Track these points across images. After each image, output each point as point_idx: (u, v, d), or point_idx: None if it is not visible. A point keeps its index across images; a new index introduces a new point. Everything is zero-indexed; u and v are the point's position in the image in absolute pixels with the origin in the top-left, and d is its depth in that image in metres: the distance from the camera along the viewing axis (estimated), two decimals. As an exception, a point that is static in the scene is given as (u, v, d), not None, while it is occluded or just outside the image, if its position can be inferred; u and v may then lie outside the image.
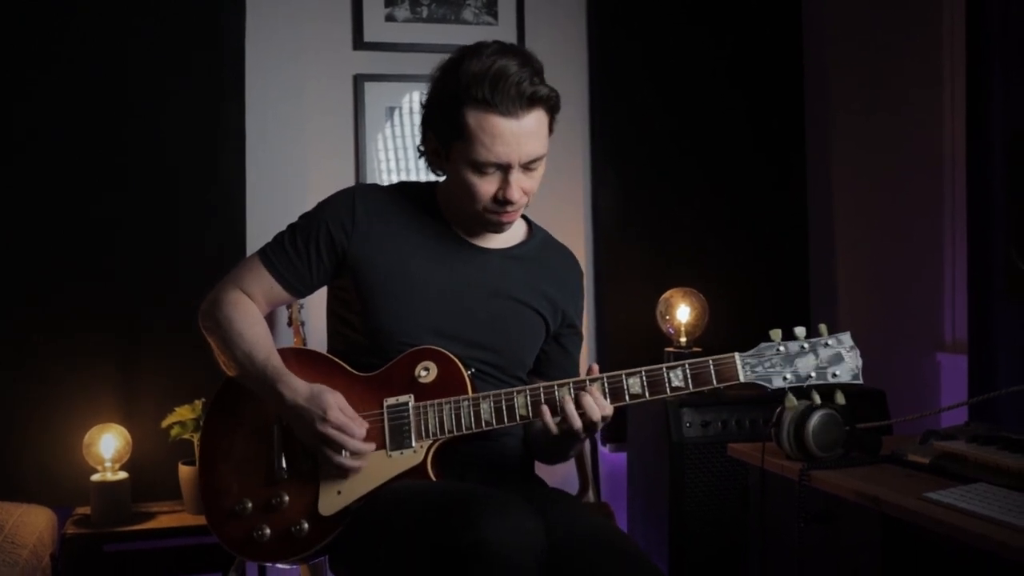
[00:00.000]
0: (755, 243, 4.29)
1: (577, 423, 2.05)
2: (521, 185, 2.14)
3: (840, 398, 2.14)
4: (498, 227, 2.24)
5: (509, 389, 2.14)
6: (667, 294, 3.98)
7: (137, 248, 3.69)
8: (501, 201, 2.15)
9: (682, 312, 3.91)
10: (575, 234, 4.15)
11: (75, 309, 3.62)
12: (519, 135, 2.09)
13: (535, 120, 2.12)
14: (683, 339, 3.88)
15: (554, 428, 2.08)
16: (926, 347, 3.68)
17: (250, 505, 2.19)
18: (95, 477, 3.42)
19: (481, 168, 2.12)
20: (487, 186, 2.14)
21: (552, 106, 2.15)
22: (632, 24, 4.21)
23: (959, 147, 3.44)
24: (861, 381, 2.13)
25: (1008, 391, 2.77)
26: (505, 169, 2.12)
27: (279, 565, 2.24)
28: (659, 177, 4.23)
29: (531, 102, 2.09)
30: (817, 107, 4.33)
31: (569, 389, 2.09)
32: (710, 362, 2.10)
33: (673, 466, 3.56)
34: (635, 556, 2.03)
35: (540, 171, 2.18)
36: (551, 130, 2.19)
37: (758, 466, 2.68)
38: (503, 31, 4.08)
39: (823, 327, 2.13)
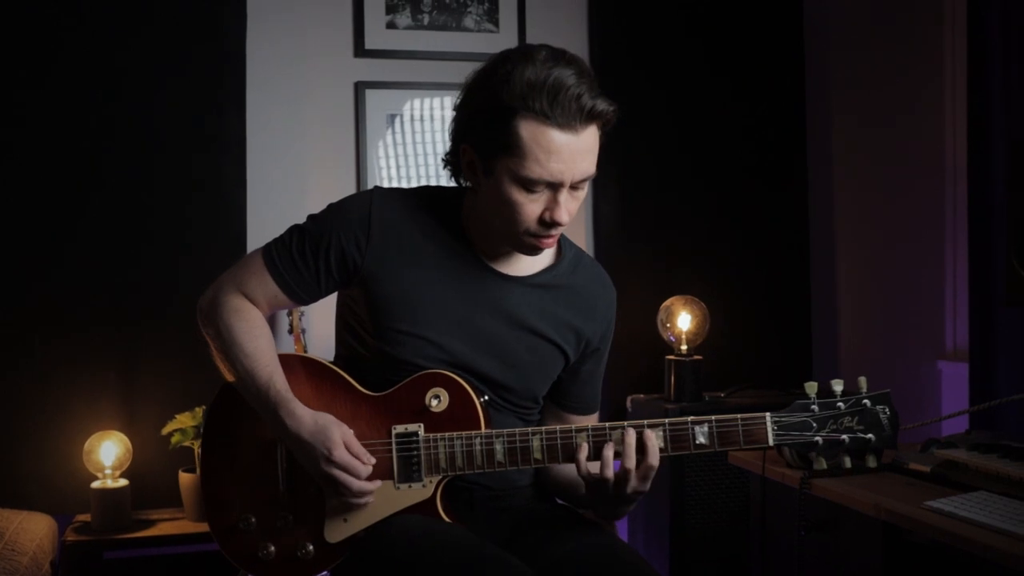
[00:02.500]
0: (756, 250, 4.29)
1: (595, 470, 1.98)
2: (567, 206, 1.99)
3: (872, 462, 2.03)
4: (534, 251, 2.09)
5: (524, 429, 2.05)
6: (668, 302, 3.97)
7: (137, 254, 3.68)
8: (548, 223, 1.99)
9: (683, 320, 3.90)
10: (576, 242, 4.13)
11: (75, 315, 3.62)
12: (576, 152, 1.94)
13: (591, 136, 1.96)
14: (684, 347, 3.87)
15: (584, 468, 1.99)
16: (927, 355, 3.68)
17: (254, 520, 2.13)
18: (95, 484, 3.42)
19: (531, 185, 1.95)
20: (533, 206, 1.98)
21: (606, 122, 1.98)
22: (633, 32, 4.21)
23: (960, 154, 3.45)
24: (895, 447, 2.02)
25: (1009, 399, 2.77)
26: (556, 188, 1.96)
27: None
28: (660, 184, 4.23)
29: (590, 117, 1.94)
30: (818, 113, 4.33)
31: (588, 436, 2.00)
32: (739, 421, 2.00)
33: (674, 474, 3.56)
34: (642, 571, 2.01)
35: (584, 192, 2.02)
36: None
37: (759, 474, 2.68)
38: (504, 38, 4.08)
39: (862, 381, 2.03)
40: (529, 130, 1.92)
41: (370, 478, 2.04)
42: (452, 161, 2.12)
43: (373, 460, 2.04)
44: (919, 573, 2.30)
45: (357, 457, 2.02)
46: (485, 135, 1.98)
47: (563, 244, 2.25)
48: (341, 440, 2.01)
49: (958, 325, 3.55)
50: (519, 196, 1.97)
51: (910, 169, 3.81)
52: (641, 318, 4.06)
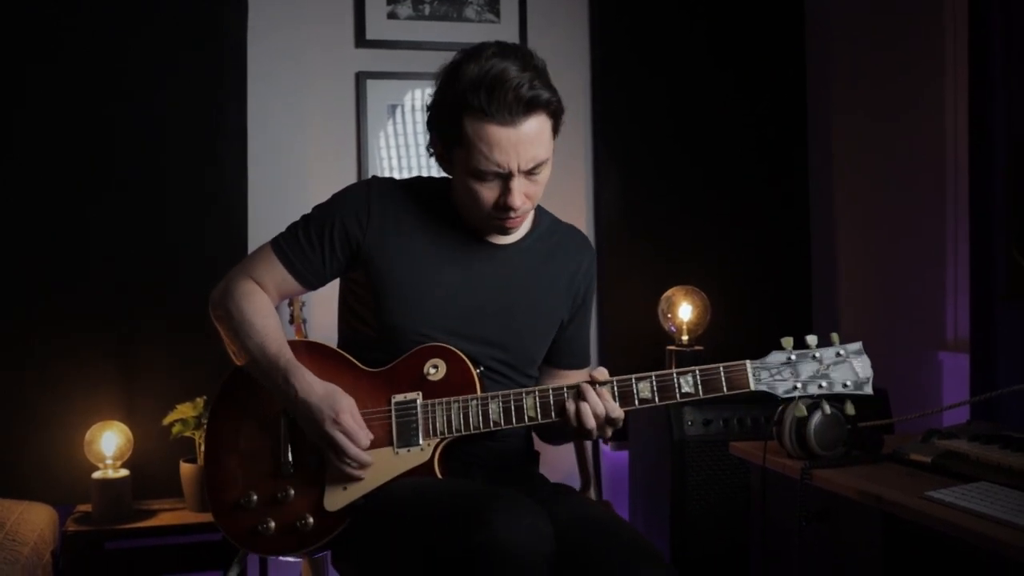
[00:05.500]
0: (757, 241, 4.29)
1: (591, 422, 2.06)
2: (524, 191, 2.11)
3: (850, 408, 2.16)
4: (503, 231, 2.23)
5: (518, 390, 2.14)
6: (669, 292, 3.97)
7: (138, 246, 3.69)
8: (503, 207, 2.12)
9: (684, 310, 3.90)
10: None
11: (76, 307, 3.63)
12: (517, 143, 2.05)
13: (535, 125, 2.07)
14: (685, 337, 3.88)
15: (574, 421, 2.08)
16: (928, 346, 3.68)
17: (255, 498, 2.19)
18: (96, 474, 3.42)
19: (481, 175, 2.09)
20: (488, 192, 2.11)
21: (554, 110, 2.11)
22: (635, 23, 4.21)
23: (961, 147, 3.44)
24: (871, 392, 2.13)
25: (1010, 390, 2.77)
26: (505, 177, 2.09)
27: (282, 558, 2.25)
28: (661, 175, 4.23)
29: (529, 107, 2.05)
30: (819, 107, 4.32)
31: (581, 394, 2.08)
32: (721, 369, 2.10)
33: (675, 464, 3.56)
34: (638, 542, 2.04)
35: (544, 175, 2.14)
36: (556, 132, 2.15)
37: (760, 464, 2.67)
38: (505, 29, 4.08)
39: (835, 336, 2.14)
40: (472, 125, 2.06)
41: (370, 449, 2.13)
42: (431, 151, 2.25)
43: (371, 436, 2.13)
44: (919, 563, 2.30)
45: (359, 428, 2.11)
46: (442, 129, 2.15)
47: (539, 213, 2.37)
48: (349, 409, 2.11)
49: (959, 316, 3.55)
50: (474, 184, 2.11)
51: (911, 163, 3.80)
52: (642, 308, 4.07)
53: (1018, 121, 3.09)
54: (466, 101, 2.05)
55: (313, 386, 2.12)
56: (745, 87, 4.30)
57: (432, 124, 2.19)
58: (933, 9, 3.67)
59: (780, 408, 2.54)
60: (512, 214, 2.13)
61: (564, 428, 2.15)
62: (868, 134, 4.08)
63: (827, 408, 2.32)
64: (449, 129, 2.10)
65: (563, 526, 2.03)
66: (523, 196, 2.11)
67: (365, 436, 2.12)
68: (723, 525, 3.55)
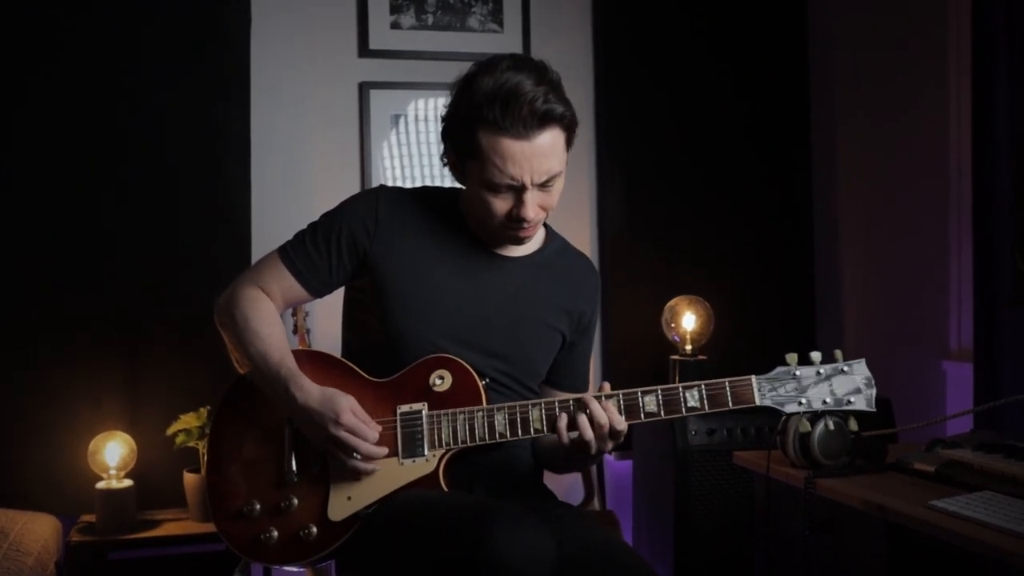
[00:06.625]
0: (761, 250, 4.29)
1: (589, 434, 2.05)
2: (538, 202, 2.12)
3: (853, 424, 2.17)
4: (516, 241, 2.23)
5: (524, 402, 2.14)
6: (672, 302, 3.97)
7: (142, 256, 3.69)
8: (516, 219, 2.13)
9: (688, 320, 3.90)
10: (581, 242, 4.11)
11: (80, 317, 3.63)
12: (531, 156, 2.06)
13: (549, 138, 2.08)
14: (689, 347, 3.87)
15: (565, 438, 2.07)
16: (931, 355, 3.68)
17: (259, 507, 2.19)
18: (100, 485, 3.43)
19: (494, 188, 2.09)
20: (502, 204, 2.11)
21: (568, 124, 2.11)
22: (637, 31, 4.21)
23: (965, 154, 3.44)
24: (875, 409, 2.14)
25: (1014, 399, 2.76)
26: (519, 190, 2.09)
27: (285, 568, 2.24)
28: (664, 184, 4.23)
29: (544, 121, 2.05)
30: (822, 111, 4.32)
31: (584, 405, 2.08)
32: (727, 384, 2.10)
33: (678, 474, 3.56)
34: (641, 571, 2.03)
35: (558, 187, 2.15)
36: (570, 145, 2.15)
37: (763, 474, 2.67)
38: (508, 38, 4.08)
39: (838, 353, 2.15)
40: (486, 139, 2.07)
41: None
42: (445, 162, 2.26)
43: (378, 427, 2.13)
44: (923, 573, 2.30)
45: (363, 423, 2.11)
46: (456, 141, 2.15)
47: (549, 231, 2.39)
48: (348, 407, 2.10)
49: (962, 325, 3.55)
50: (487, 195, 2.12)
51: (914, 167, 3.80)
52: (646, 318, 4.06)
53: (1021, 126, 3.09)
54: (480, 114, 2.05)
55: (311, 393, 2.12)
56: (747, 92, 4.30)
57: (446, 136, 2.19)
58: (936, 9, 3.67)
59: (784, 418, 2.54)
60: (525, 225, 2.14)
61: (567, 447, 2.13)
62: (870, 136, 4.07)
63: (830, 420, 2.34)
64: (463, 142, 2.11)
65: (567, 551, 2.02)
66: (536, 208, 2.12)
67: (371, 429, 2.11)
68: (727, 535, 3.55)
